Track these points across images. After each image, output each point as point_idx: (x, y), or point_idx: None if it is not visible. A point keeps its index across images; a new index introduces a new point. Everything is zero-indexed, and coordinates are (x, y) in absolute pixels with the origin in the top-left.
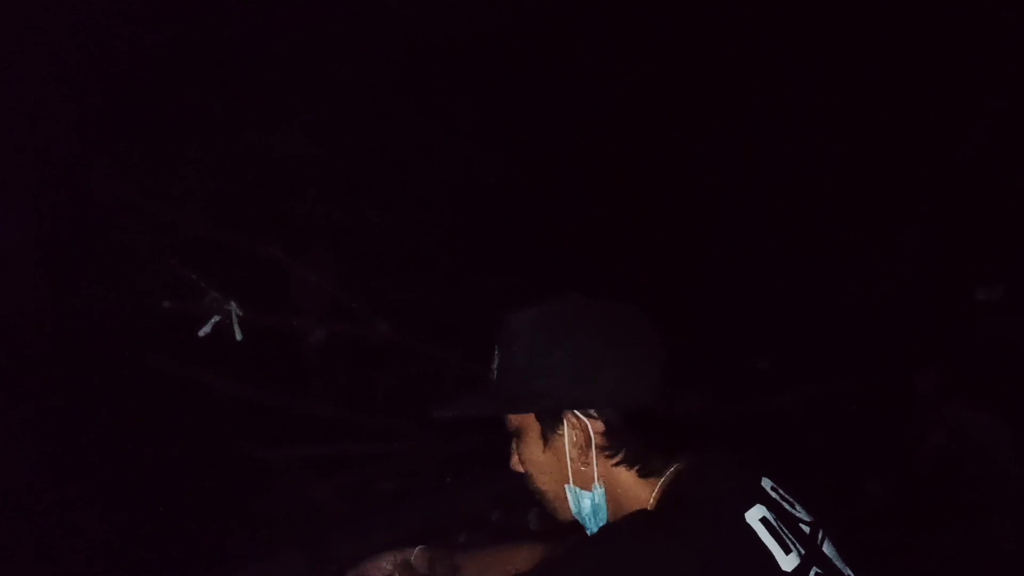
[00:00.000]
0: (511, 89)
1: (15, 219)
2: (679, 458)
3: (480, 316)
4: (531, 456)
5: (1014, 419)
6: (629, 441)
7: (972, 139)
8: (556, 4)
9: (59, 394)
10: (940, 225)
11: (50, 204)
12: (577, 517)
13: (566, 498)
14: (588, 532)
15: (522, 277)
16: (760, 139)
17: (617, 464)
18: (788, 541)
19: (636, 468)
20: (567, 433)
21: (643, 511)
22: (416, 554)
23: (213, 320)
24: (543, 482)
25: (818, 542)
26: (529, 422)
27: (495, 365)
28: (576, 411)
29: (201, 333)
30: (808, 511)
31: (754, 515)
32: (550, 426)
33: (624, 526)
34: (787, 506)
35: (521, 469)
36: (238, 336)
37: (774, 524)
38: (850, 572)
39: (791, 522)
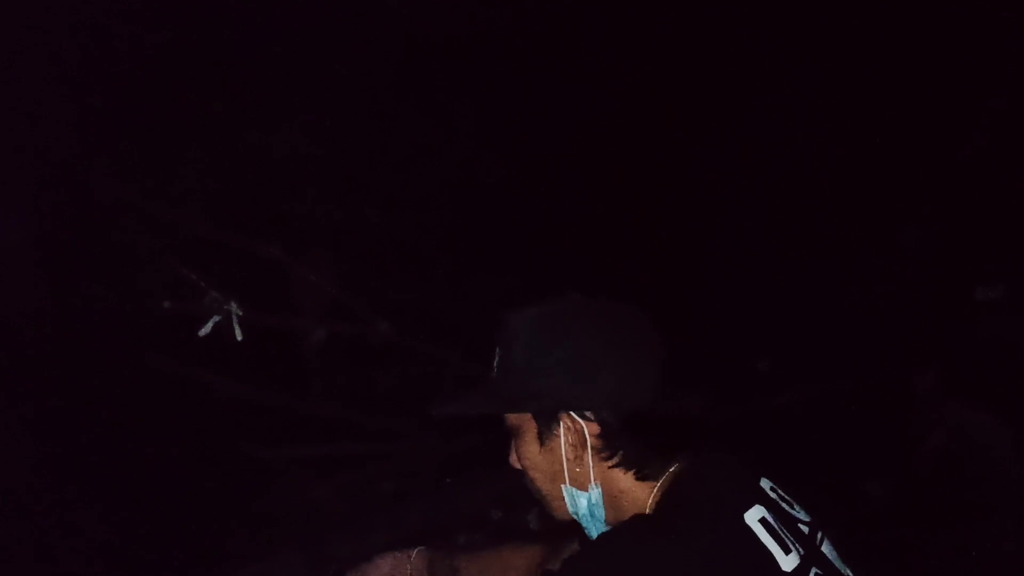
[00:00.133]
0: (511, 89)
1: (15, 219)
2: (678, 459)
3: (480, 316)
4: (528, 455)
5: (1014, 419)
6: (626, 444)
7: (972, 139)
8: (556, 4)
9: (59, 394)
10: (940, 225)
11: (50, 204)
12: (575, 516)
13: (563, 497)
14: (586, 532)
15: (522, 277)
16: (760, 139)
17: (613, 467)
18: (788, 541)
19: (633, 471)
20: (563, 434)
21: (641, 515)
22: (415, 555)
23: (213, 320)
24: (540, 481)
25: (817, 542)
26: (526, 421)
27: (495, 364)
28: (572, 412)
29: (201, 333)
30: (807, 511)
31: (753, 515)
32: (546, 426)
33: (623, 530)
34: (786, 506)
35: (519, 466)
36: (238, 336)
37: (773, 524)
38: (849, 572)
39: (790, 522)
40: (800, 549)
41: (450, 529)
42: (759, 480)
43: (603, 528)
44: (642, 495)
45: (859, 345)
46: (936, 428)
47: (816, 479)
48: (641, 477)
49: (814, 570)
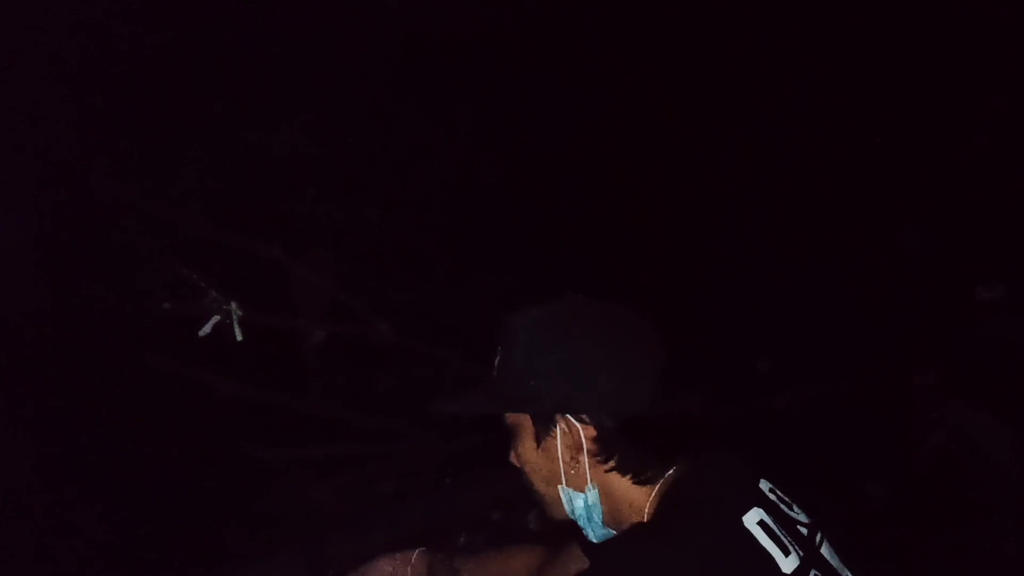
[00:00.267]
0: (511, 89)
1: (15, 219)
2: (677, 462)
3: (480, 316)
4: (525, 455)
5: (1014, 419)
6: (622, 448)
7: (972, 139)
8: (556, 4)
9: (59, 394)
10: (940, 225)
11: (50, 204)
12: (572, 517)
13: (559, 498)
14: (583, 533)
15: (522, 277)
16: (760, 139)
17: (610, 470)
18: (787, 543)
19: (629, 476)
20: (559, 436)
21: (641, 523)
22: (416, 557)
23: (213, 320)
24: (536, 481)
25: (816, 544)
26: (524, 421)
27: (495, 364)
28: (569, 415)
29: (201, 333)
30: (806, 513)
31: (752, 518)
32: (543, 428)
33: (624, 539)
34: (785, 508)
35: (518, 464)
36: (238, 336)
37: (772, 527)
38: (849, 574)
39: (789, 524)
40: (799, 551)
41: (450, 529)
42: (758, 482)
43: (600, 529)
44: (640, 498)
45: (859, 345)
46: (936, 428)
47: (816, 479)
48: (638, 481)
49: (813, 572)
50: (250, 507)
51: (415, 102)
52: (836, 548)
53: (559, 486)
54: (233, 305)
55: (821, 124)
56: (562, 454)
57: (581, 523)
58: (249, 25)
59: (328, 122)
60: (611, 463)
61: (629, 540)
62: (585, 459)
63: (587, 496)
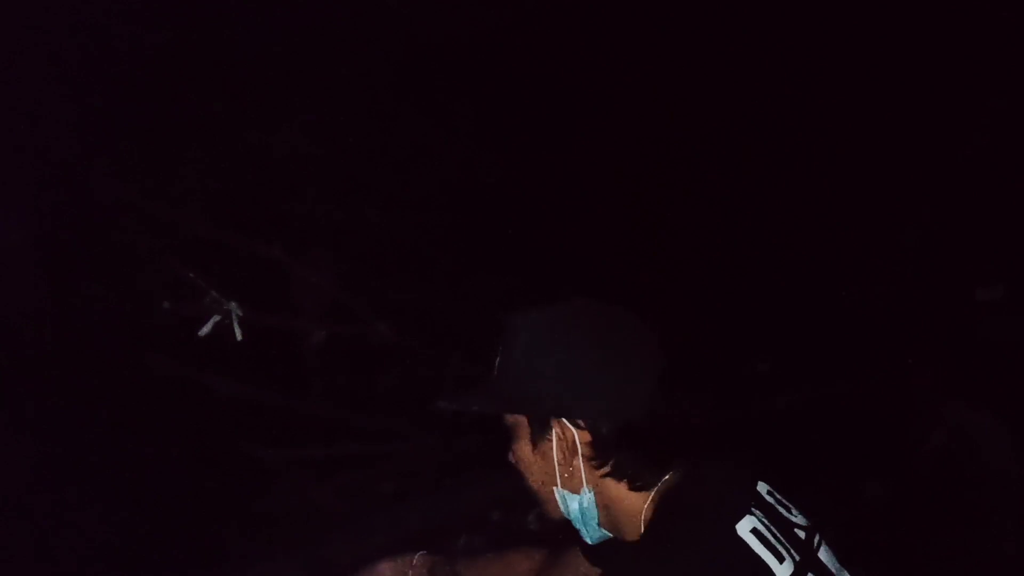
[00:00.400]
0: (511, 89)
1: (15, 219)
2: (673, 467)
3: (480, 316)
4: (521, 455)
5: (1014, 419)
6: (617, 454)
7: (972, 139)
8: (556, 4)
9: (59, 394)
10: (940, 225)
11: (50, 204)
12: (568, 518)
13: (555, 499)
14: (580, 534)
15: (522, 277)
16: (760, 139)
17: (605, 475)
18: (781, 549)
19: (625, 481)
20: (555, 439)
21: (635, 530)
22: (417, 560)
23: (213, 320)
24: (532, 481)
25: (814, 547)
26: (522, 422)
27: (496, 363)
28: (565, 419)
29: (201, 333)
30: (805, 515)
31: (745, 526)
32: (539, 430)
33: (617, 547)
34: (783, 511)
35: (515, 463)
36: (238, 336)
37: (766, 534)
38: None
39: (786, 528)
40: (795, 556)
41: (450, 530)
42: (756, 485)
43: (596, 532)
44: (636, 503)
45: (859, 345)
46: (936, 428)
47: (816, 479)
48: (634, 487)
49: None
50: (250, 507)
51: (415, 102)
52: (835, 550)
53: (554, 488)
54: (233, 305)
55: (821, 124)
56: (557, 457)
57: (576, 525)
58: (249, 25)
59: (328, 122)
60: (606, 468)
61: (623, 551)
62: (580, 463)
63: (582, 499)
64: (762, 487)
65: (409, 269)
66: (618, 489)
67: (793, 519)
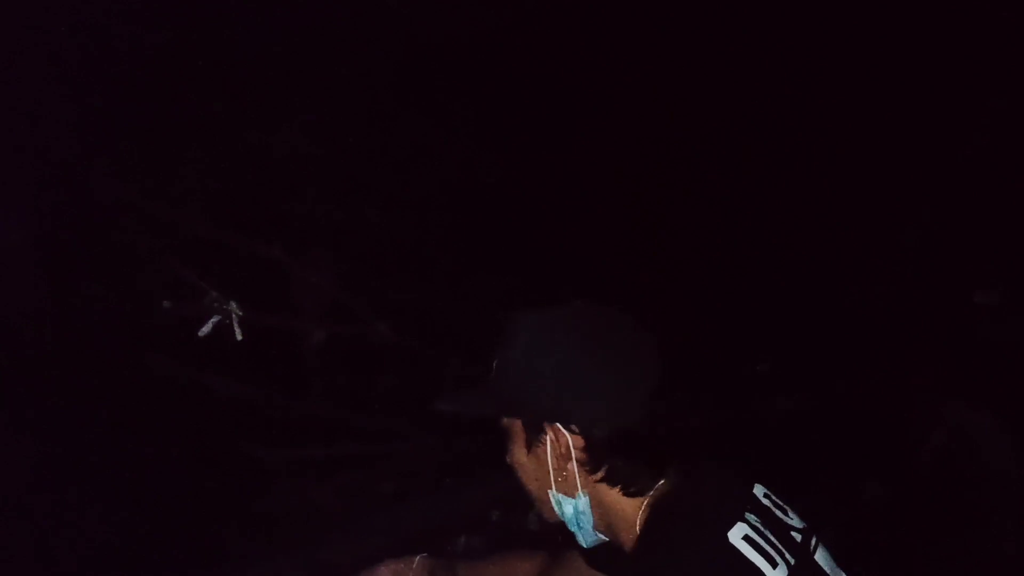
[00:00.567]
0: (511, 89)
1: (15, 219)
2: (668, 473)
3: (480, 316)
4: (516, 457)
5: (1014, 419)
6: (611, 460)
7: (972, 139)
8: (556, 4)
9: (59, 394)
10: (940, 225)
11: (50, 204)
12: (562, 520)
13: (550, 502)
14: (576, 537)
15: (522, 277)
16: (760, 139)
17: (599, 480)
18: (775, 554)
19: (619, 486)
20: (548, 443)
21: (630, 536)
22: (417, 563)
23: (213, 320)
24: (527, 483)
25: (810, 550)
26: (516, 425)
27: (494, 365)
28: (559, 423)
29: (201, 333)
30: (802, 517)
31: (737, 533)
32: (533, 433)
33: (612, 554)
34: (779, 513)
35: (511, 464)
36: (238, 336)
37: (758, 540)
38: None
39: (782, 530)
40: (790, 559)
41: (450, 530)
42: (752, 488)
43: (591, 536)
44: (630, 508)
45: (859, 345)
46: (936, 428)
47: (816, 480)
48: (628, 493)
49: None
50: (250, 507)
51: (415, 102)
52: (833, 552)
53: (549, 491)
54: (233, 305)
55: (821, 124)
56: (552, 461)
57: (571, 527)
58: (249, 25)
59: (328, 122)
60: (600, 473)
61: (618, 556)
62: (574, 467)
63: (577, 503)
64: (758, 490)
65: (409, 269)
66: (612, 494)
67: (789, 522)
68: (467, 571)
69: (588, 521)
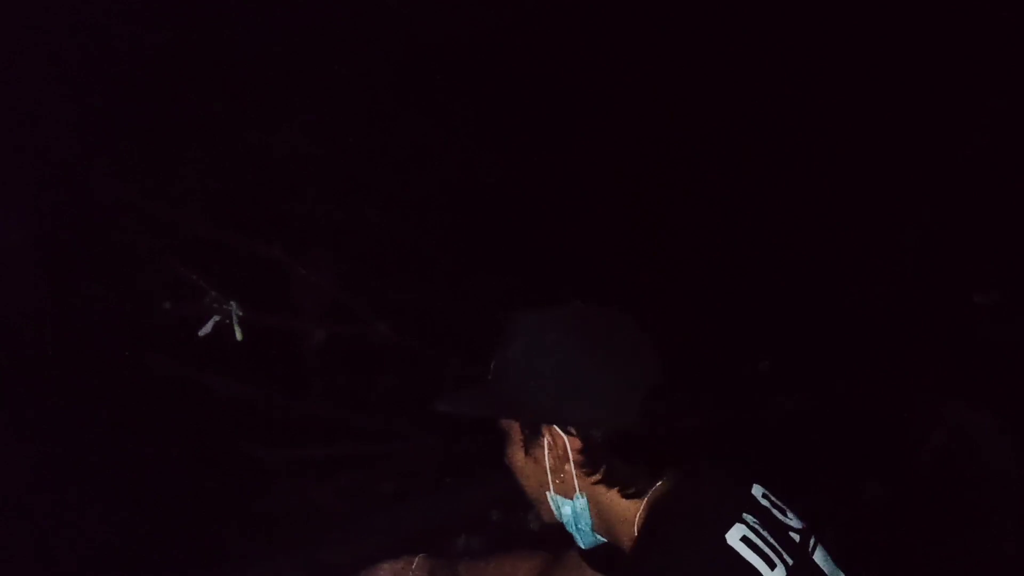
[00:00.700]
0: (511, 89)
1: (15, 219)
2: (666, 474)
3: (480, 316)
4: (514, 459)
5: (1014, 419)
6: (609, 462)
7: (972, 139)
8: (556, 4)
9: (59, 394)
10: (940, 225)
11: (50, 204)
12: (561, 521)
13: (548, 503)
14: (574, 538)
15: (522, 277)
16: (760, 139)
17: (597, 482)
18: (773, 555)
19: (616, 489)
20: (546, 445)
21: (628, 536)
22: (417, 563)
23: (213, 320)
24: (525, 485)
25: (809, 550)
26: (514, 426)
27: (492, 366)
28: (556, 426)
29: (201, 333)
30: (800, 518)
31: (735, 535)
32: (531, 435)
33: (609, 557)
34: (778, 514)
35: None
36: (238, 336)
37: (756, 541)
38: None
39: (781, 531)
40: (788, 560)
41: (450, 530)
42: (750, 488)
43: (589, 537)
44: (629, 510)
45: (859, 345)
46: (936, 428)
47: (816, 480)
48: (627, 495)
49: None
50: (250, 507)
51: (415, 102)
52: (833, 552)
53: (547, 493)
54: (233, 305)
55: (821, 124)
56: (549, 463)
57: (569, 529)
58: (249, 25)
59: (328, 122)
60: (597, 475)
61: (616, 558)
62: (572, 469)
63: (575, 504)
64: (757, 490)
65: (409, 269)
66: (610, 496)
67: (788, 522)
68: (467, 571)
69: (586, 522)
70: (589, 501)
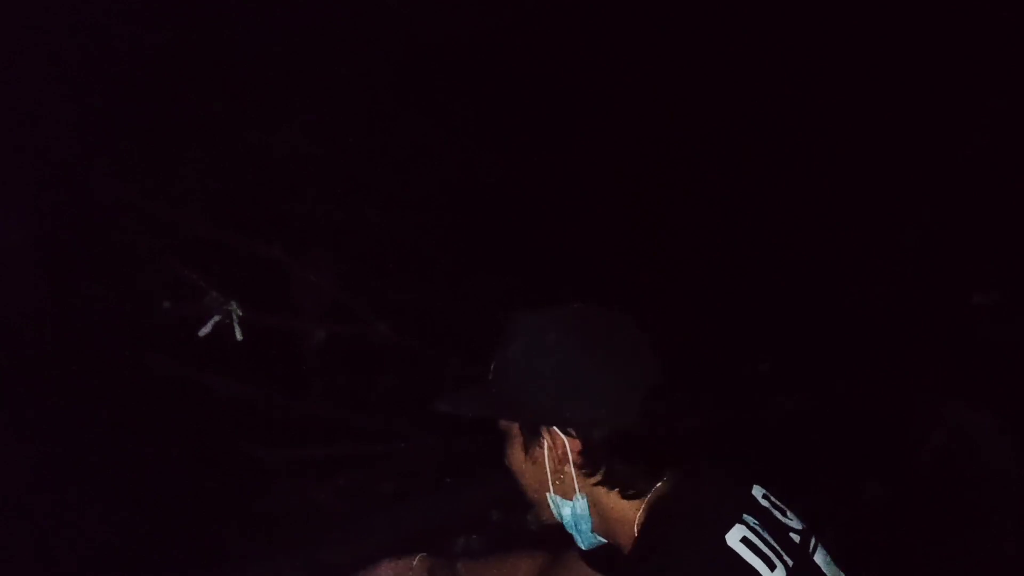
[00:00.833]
0: (511, 89)
1: (15, 219)
2: (666, 474)
3: (480, 316)
4: (513, 460)
5: (1014, 419)
6: (608, 463)
7: (972, 139)
8: (556, 4)
9: (59, 394)
10: (940, 225)
11: (50, 204)
12: (560, 522)
13: (548, 504)
14: (574, 539)
15: (522, 277)
16: (760, 139)
17: (597, 483)
18: (773, 556)
19: (616, 489)
20: (545, 447)
21: (628, 537)
22: (417, 562)
23: (213, 320)
24: (525, 486)
25: (809, 551)
26: (514, 427)
27: (492, 366)
28: (555, 427)
29: (201, 333)
30: (800, 518)
31: (735, 536)
32: (531, 436)
33: (608, 559)
34: (778, 514)
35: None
36: (238, 336)
37: (756, 542)
38: None
39: (780, 532)
40: (788, 560)
41: (450, 530)
42: (750, 489)
43: (589, 538)
44: (628, 511)
45: (859, 346)
46: (936, 428)
47: (816, 480)
48: (626, 495)
49: None
50: (250, 507)
51: (415, 102)
52: (833, 552)
53: (547, 494)
54: (233, 305)
55: (821, 124)
56: (549, 463)
57: (569, 530)
58: (249, 25)
59: (328, 122)
60: (597, 476)
61: (616, 558)
62: (571, 470)
63: (574, 505)
64: (757, 491)
65: (409, 269)
66: (610, 496)
67: (788, 523)
68: (467, 571)
69: (586, 523)
70: (589, 502)
